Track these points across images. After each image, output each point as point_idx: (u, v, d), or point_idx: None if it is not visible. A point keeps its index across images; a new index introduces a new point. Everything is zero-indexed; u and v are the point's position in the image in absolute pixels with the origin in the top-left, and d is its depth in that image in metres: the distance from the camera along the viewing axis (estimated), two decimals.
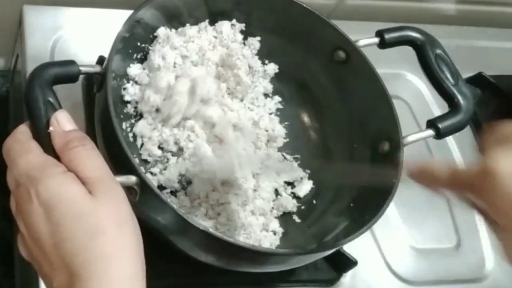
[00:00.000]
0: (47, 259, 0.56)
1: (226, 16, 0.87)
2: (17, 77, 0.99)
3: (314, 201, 0.85)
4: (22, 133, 0.61)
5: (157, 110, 0.81)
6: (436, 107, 1.06)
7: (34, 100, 0.62)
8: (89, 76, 0.69)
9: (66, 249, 0.54)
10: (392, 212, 0.94)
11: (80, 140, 0.59)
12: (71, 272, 0.54)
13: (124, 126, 0.80)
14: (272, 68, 0.90)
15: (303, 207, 0.85)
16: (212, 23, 0.87)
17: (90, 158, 0.59)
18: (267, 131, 0.87)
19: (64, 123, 0.61)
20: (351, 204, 0.80)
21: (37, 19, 0.91)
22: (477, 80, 1.08)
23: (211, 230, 0.66)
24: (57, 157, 0.59)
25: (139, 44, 0.82)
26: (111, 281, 0.54)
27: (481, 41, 1.16)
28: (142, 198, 0.65)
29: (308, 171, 0.87)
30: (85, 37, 0.93)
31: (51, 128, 0.60)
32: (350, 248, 0.83)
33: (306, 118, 0.91)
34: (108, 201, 0.56)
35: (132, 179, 0.64)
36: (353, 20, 1.04)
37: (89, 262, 0.54)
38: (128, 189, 0.65)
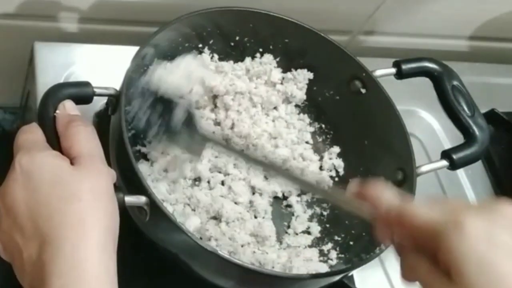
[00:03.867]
0: (19, 228, 0.56)
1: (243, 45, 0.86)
2: (28, 114, 0.99)
3: (332, 230, 0.84)
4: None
5: None
6: (449, 144, 1.04)
7: (46, 118, 0.63)
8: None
9: (40, 213, 0.56)
10: None
11: (84, 122, 0.63)
12: (43, 238, 0.55)
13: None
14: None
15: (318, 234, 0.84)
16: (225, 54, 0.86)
17: (88, 137, 0.62)
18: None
19: (70, 108, 0.64)
20: (363, 233, 0.79)
21: (49, 56, 0.91)
22: (490, 117, 1.07)
23: (221, 253, 0.65)
24: (58, 143, 0.62)
25: None
26: (83, 246, 0.54)
27: (494, 77, 1.15)
28: (152, 218, 0.65)
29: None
30: (96, 74, 0.92)
31: (57, 111, 0.63)
32: None
33: (321, 145, 0.90)
34: (89, 175, 0.58)
35: (142, 199, 0.64)
36: (364, 56, 1.03)
37: (62, 226, 0.55)
38: (138, 209, 0.66)
